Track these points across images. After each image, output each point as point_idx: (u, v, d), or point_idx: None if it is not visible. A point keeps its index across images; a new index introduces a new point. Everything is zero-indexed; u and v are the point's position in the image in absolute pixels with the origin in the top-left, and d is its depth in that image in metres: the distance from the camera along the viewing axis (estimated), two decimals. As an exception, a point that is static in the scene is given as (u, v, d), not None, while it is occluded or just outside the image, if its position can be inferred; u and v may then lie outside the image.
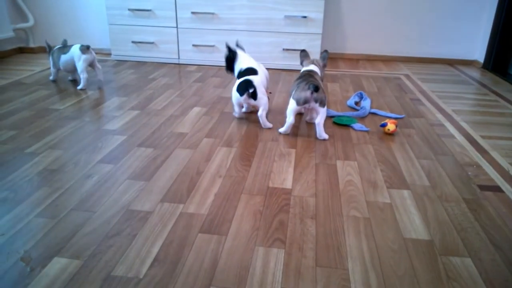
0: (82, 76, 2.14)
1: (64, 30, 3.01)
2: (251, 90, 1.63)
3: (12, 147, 1.46)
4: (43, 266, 0.89)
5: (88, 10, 2.97)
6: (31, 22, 2.96)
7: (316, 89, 1.51)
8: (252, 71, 1.73)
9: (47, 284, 0.84)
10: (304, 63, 1.79)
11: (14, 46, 2.98)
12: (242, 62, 1.79)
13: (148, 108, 1.89)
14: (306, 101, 1.54)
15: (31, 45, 3.04)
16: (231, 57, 1.82)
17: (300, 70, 1.78)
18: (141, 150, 1.45)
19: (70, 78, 2.32)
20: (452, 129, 1.74)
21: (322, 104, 1.55)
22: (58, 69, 2.27)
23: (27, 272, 0.88)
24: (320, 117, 1.57)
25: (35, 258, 0.92)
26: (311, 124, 1.74)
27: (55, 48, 2.23)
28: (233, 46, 1.84)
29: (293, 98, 1.57)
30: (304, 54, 1.82)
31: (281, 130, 1.64)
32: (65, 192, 1.18)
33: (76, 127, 1.65)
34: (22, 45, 3.04)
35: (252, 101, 1.67)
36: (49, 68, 2.37)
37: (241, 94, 1.65)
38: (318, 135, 1.60)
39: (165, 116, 1.79)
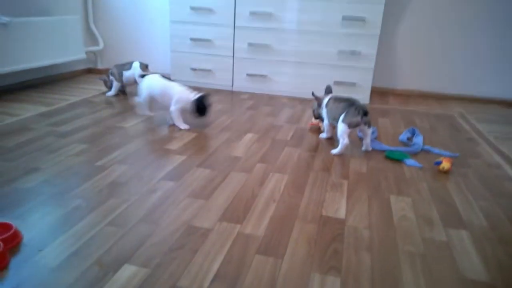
0: None
1: (129, 54, 3.25)
2: None
3: (84, 159, 1.59)
4: (115, 271, 0.96)
5: (153, 37, 3.20)
6: (101, 46, 3.23)
7: (366, 113, 1.72)
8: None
9: (119, 288, 0.91)
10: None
11: (84, 67, 3.25)
12: None
13: (205, 132, 1.99)
14: (357, 125, 1.75)
15: (99, 66, 3.30)
16: None
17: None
18: (200, 170, 1.53)
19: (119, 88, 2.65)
20: (511, 172, 1.69)
21: (369, 125, 1.77)
22: (121, 84, 2.57)
23: (101, 276, 0.95)
24: (368, 137, 1.81)
25: (107, 264, 0.99)
26: (362, 157, 1.76)
27: (114, 66, 2.58)
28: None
29: (343, 122, 1.74)
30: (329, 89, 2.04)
31: (335, 151, 1.78)
32: (131, 204, 1.27)
33: (140, 144, 1.77)
34: (90, 66, 3.31)
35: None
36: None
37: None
38: (364, 148, 1.83)
39: (220, 140, 1.88)
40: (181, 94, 1.98)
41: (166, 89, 2.01)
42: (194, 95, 1.98)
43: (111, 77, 2.57)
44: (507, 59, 2.83)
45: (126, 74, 2.51)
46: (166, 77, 2.09)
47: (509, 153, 1.91)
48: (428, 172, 1.63)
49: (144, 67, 2.50)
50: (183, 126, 2.02)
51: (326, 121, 1.93)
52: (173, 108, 1.99)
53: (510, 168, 1.73)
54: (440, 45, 2.89)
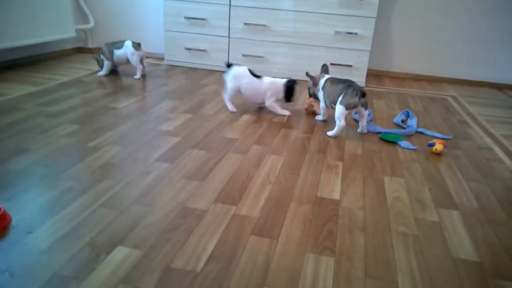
0: (138, 67, 2.48)
1: (121, 33, 3.19)
2: None
3: (75, 140, 1.57)
4: (108, 253, 0.96)
5: (146, 15, 3.13)
6: (91, 24, 3.15)
7: (363, 94, 1.71)
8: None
9: (112, 270, 0.90)
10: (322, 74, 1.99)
11: (74, 46, 3.18)
12: None
13: (200, 113, 1.97)
14: (354, 106, 1.74)
15: (89, 45, 3.23)
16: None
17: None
18: (195, 152, 1.53)
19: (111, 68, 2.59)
20: (501, 154, 1.71)
21: (366, 106, 1.77)
22: (112, 63, 2.51)
23: (93, 257, 0.94)
24: (364, 118, 1.81)
25: (100, 245, 0.98)
26: (357, 139, 1.76)
27: (104, 44, 2.51)
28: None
29: (341, 104, 1.74)
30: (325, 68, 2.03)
31: (331, 133, 1.78)
32: (126, 185, 1.26)
33: (134, 125, 1.75)
34: (81, 45, 3.24)
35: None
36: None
37: None
38: (360, 130, 1.84)
39: (216, 121, 1.87)
40: (272, 87, 2.00)
41: (255, 84, 2.00)
42: (282, 82, 2.00)
43: (101, 56, 2.52)
44: (499, 42, 2.82)
45: (117, 52, 2.46)
46: (254, 73, 2.03)
47: (499, 136, 1.93)
48: (422, 154, 1.64)
49: (137, 45, 2.45)
50: (285, 112, 2.04)
51: (323, 104, 1.92)
52: (268, 102, 2.02)
53: (500, 150, 1.74)
54: (433, 28, 2.87)
